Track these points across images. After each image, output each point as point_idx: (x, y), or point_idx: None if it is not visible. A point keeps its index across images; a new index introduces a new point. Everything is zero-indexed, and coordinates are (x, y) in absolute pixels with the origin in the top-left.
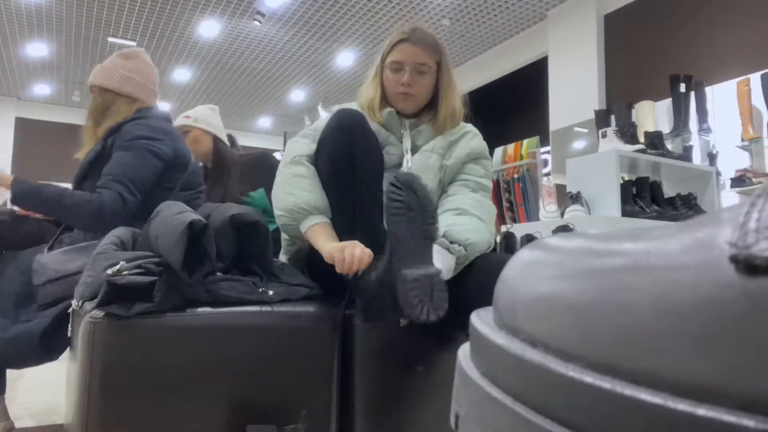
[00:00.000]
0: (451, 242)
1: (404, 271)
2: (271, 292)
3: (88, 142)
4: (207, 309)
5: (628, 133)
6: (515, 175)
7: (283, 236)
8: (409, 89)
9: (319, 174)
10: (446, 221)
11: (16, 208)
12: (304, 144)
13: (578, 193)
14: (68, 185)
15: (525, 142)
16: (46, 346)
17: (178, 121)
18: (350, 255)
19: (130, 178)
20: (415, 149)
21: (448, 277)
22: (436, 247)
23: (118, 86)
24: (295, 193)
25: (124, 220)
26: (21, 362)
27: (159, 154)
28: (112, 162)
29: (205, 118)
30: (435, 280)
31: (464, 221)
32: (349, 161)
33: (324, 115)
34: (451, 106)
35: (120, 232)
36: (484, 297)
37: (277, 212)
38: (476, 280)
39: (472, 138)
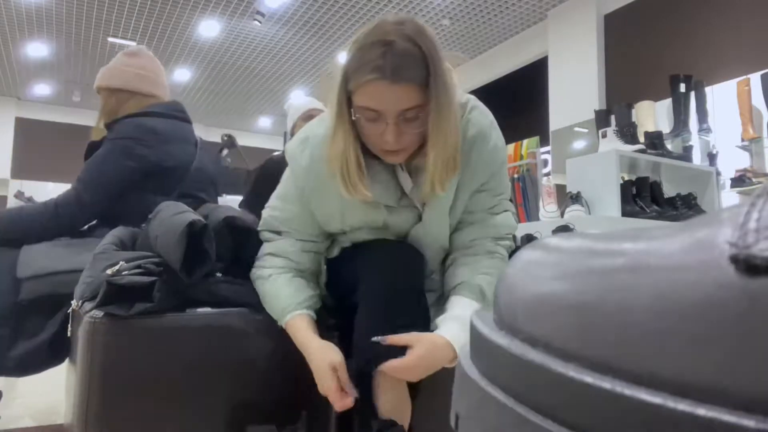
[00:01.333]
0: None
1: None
2: None
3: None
4: (207, 309)
5: (628, 133)
6: (515, 175)
7: None
8: (396, 146)
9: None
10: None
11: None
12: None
13: (578, 193)
14: (67, 185)
15: (525, 142)
16: (53, 353)
17: (313, 104)
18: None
19: (92, 176)
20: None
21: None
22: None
23: (129, 85)
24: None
25: (80, 218)
26: (30, 372)
27: (135, 156)
28: (92, 159)
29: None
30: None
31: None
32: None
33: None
34: (445, 155)
35: (120, 232)
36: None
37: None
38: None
39: (486, 152)
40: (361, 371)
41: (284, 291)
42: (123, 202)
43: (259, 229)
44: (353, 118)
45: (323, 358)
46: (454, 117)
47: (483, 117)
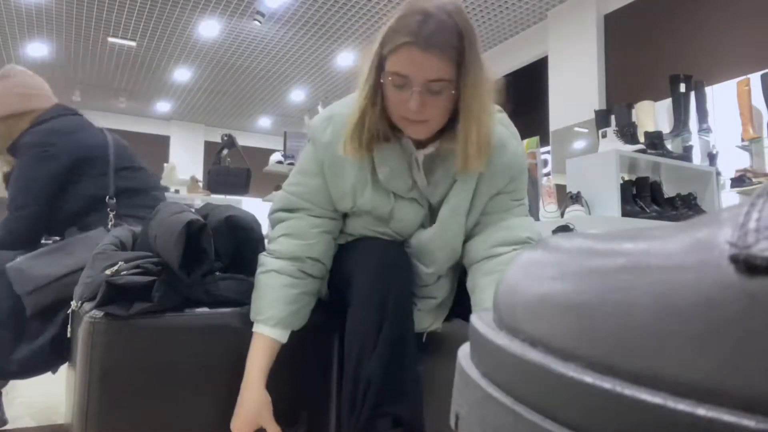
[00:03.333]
0: None
1: None
2: None
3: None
4: (206, 309)
5: (628, 133)
6: None
7: None
8: (419, 116)
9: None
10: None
11: None
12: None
13: (578, 193)
14: None
15: (525, 142)
16: (56, 354)
17: None
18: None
19: (15, 191)
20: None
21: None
22: None
23: (15, 107)
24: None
25: (20, 231)
26: (33, 374)
27: (48, 158)
28: (12, 180)
29: None
30: None
31: None
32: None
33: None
34: (478, 136)
35: (119, 232)
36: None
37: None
38: None
39: (506, 157)
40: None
41: (274, 295)
42: (63, 201)
43: (272, 209)
44: (381, 81)
45: (257, 397)
46: (488, 101)
47: (504, 128)
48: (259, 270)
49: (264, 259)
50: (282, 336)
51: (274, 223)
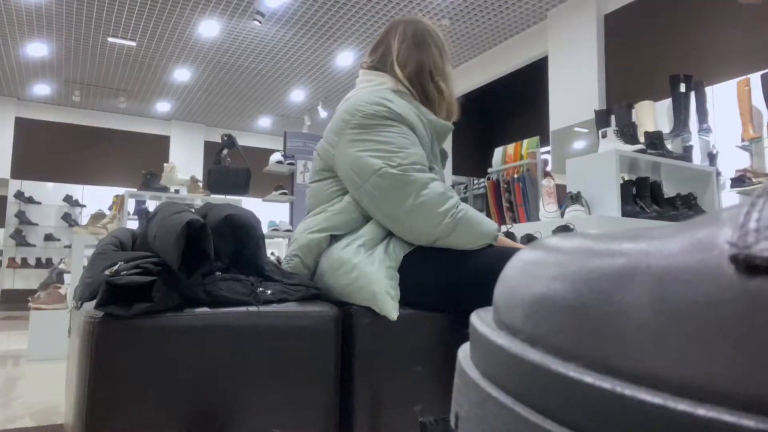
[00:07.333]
0: None
1: None
2: (269, 292)
3: None
4: (206, 309)
5: (628, 133)
6: (515, 175)
7: None
8: None
9: None
10: None
11: None
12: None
13: (578, 193)
14: (67, 185)
15: (525, 142)
16: None
17: None
18: None
19: None
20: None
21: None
22: None
23: None
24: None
25: None
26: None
27: None
28: None
29: None
30: None
31: None
32: None
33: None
34: None
35: (119, 232)
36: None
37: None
38: (479, 277)
39: None
40: None
41: (483, 217)
42: None
43: (410, 171)
44: None
45: None
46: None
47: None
48: (460, 214)
49: (457, 201)
50: None
51: (421, 182)
